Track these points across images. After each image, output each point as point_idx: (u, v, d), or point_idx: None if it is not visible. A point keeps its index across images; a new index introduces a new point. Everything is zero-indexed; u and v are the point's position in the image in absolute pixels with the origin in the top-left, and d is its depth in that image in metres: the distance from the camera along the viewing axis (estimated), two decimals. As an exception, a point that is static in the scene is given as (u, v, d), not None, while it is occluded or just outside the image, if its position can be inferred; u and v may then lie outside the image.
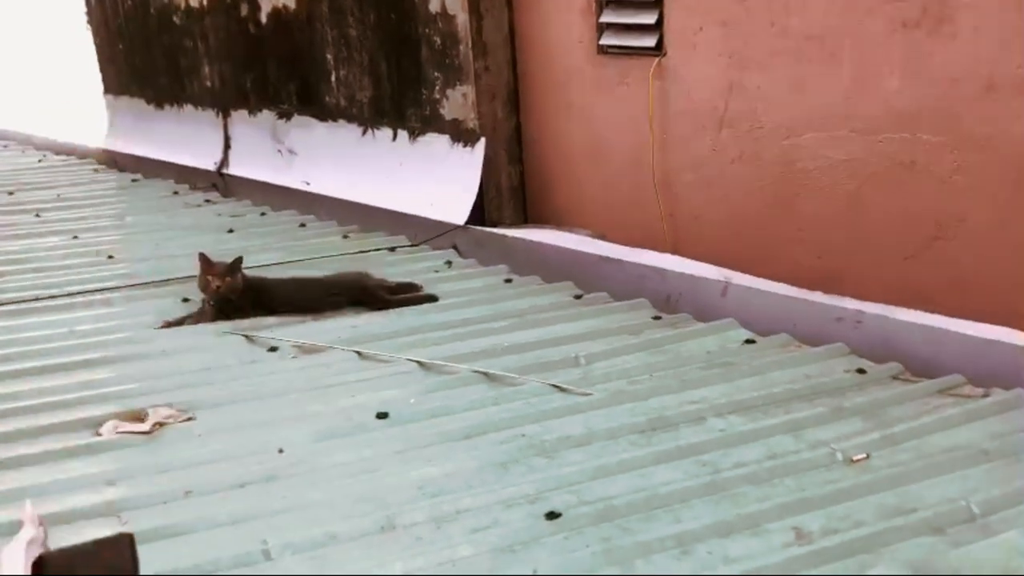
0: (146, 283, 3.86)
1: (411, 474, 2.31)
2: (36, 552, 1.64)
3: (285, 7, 5.09)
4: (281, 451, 2.43)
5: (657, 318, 3.35)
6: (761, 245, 3.55)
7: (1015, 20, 2.81)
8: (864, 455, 2.32)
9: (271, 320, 3.40)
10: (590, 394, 2.71)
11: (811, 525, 2.05)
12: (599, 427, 2.51)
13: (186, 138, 5.96)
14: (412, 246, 4.34)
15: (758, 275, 3.41)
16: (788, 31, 3.31)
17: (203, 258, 3.40)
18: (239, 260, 3.43)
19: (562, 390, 2.74)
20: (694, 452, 2.37)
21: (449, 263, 4.08)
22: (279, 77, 5.30)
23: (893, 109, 3.11)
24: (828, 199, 3.34)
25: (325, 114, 5.06)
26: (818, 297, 3.21)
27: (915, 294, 3.09)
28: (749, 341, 3.09)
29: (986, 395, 2.63)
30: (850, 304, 3.12)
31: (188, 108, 6.01)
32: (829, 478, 2.23)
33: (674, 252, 3.73)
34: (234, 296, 3.39)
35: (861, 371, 2.82)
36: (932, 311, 2.98)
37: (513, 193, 4.41)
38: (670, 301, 3.46)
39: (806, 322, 3.12)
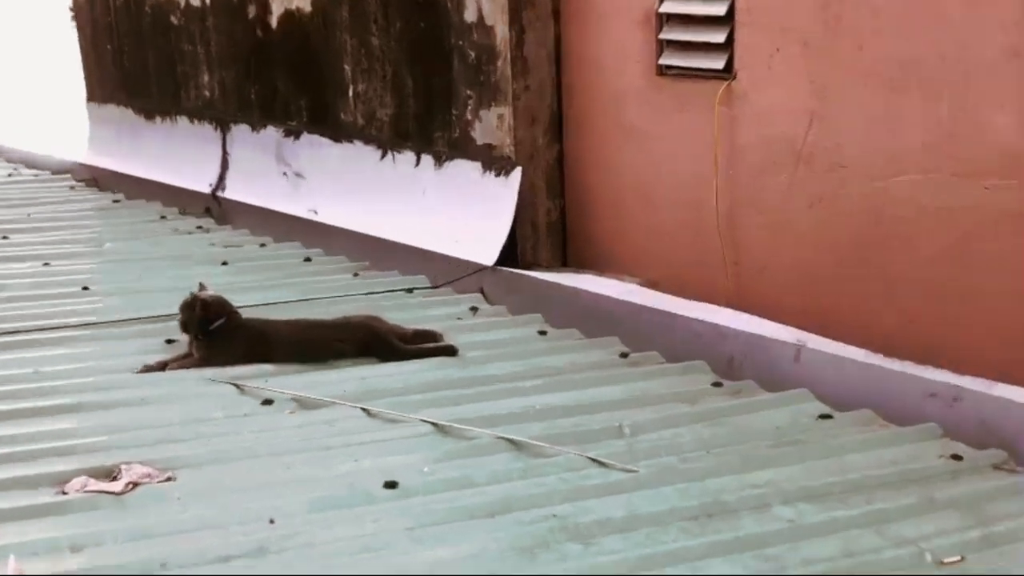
0: (125, 320, 3.93)
1: (422, 555, 2.32)
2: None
3: (299, 9, 5.23)
4: (272, 521, 2.45)
5: (717, 384, 3.36)
6: (841, 304, 3.55)
7: None
8: (958, 557, 2.30)
9: (267, 368, 3.45)
10: (635, 471, 2.71)
11: (893, 638, 2.04)
12: (644, 510, 2.52)
13: (178, 155, 6.09)
14: (432, 288, 4.38)
15: (837, 339, 3.40)
16: (880, 56, 3.35)
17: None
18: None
19: (602, 465, 2.75)
20: (756, 545, 2.37)
21: (474, 309, 4.12)
22: (288, 89, 5.43)
23: (1002, 150, 3.13)
24: (923, 253, 3.35)
25: (339, 133, 5.17)
26: (908, 368, 3.20)
27: (1024, 369, 3.08)
28: (825, 416, 3.08)
29: (1105, 492, 2.61)
30: (946, 378, 3.11)
31: (182, 121, 6.15)
32: (916, 583, 2.22)
33: (738, 308, 3.74)
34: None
35: (957, 457, 2.80)
36: (1044, 390, 2.96)
37: (551, 231, 4.46)
38: (732, 365, 3.46)
39: (893, 397, 3.11)
